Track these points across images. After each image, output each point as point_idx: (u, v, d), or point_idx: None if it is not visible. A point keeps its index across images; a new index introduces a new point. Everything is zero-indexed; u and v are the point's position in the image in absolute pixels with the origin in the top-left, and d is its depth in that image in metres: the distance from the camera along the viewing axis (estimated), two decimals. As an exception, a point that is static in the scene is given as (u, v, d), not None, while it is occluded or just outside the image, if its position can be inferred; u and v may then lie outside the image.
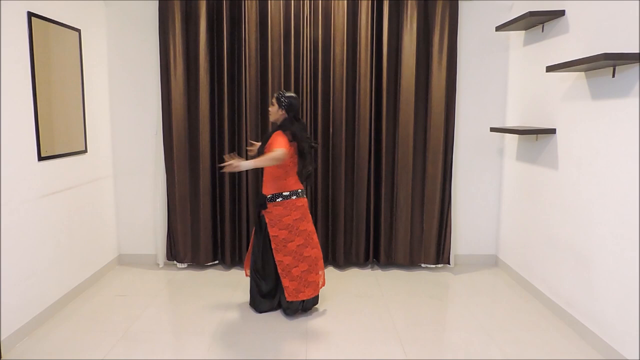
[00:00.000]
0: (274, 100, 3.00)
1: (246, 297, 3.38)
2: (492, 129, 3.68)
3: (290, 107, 2.97)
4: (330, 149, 3.91)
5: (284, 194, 2.99)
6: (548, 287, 3.27)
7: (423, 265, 4.06)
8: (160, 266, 4.06)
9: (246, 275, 3.24)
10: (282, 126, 2.98)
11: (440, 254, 3.99)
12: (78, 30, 3.45)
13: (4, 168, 2.65)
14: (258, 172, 3.90)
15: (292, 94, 3.01)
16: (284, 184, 2.99)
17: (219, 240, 4.02)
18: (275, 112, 3.00)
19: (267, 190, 3.03)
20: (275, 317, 3.11)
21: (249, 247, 3.20)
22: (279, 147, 2.83)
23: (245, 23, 3.75)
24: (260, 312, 3.16)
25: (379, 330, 2.96)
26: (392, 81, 3.85)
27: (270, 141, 2.95)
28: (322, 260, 3.16)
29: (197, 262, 4.00)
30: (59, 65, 3.21)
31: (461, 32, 3.87)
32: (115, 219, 4.07)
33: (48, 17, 3.08)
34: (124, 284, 3.71)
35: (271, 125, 3.16)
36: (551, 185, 3.21)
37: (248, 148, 3.31)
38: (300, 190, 3.04)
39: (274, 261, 3.06)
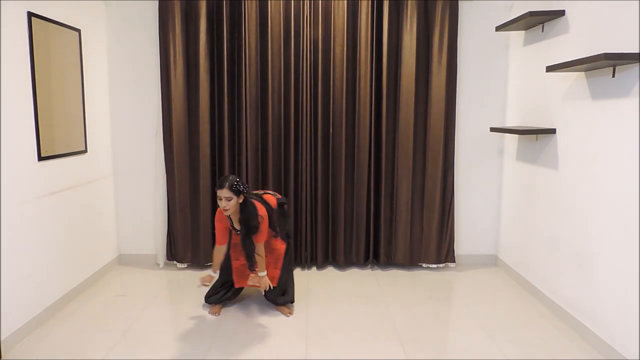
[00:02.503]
0: (229, 192, 2.73)
1: (245, 297, 3.39)
2: (492, 129, 3.68)
3: (246, 188, 2.84)
4: (330, 149, 3.91)
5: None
6: (548, 287, 3.27)
7: (424, 265, 4.06)
8: (160, 266, 4.06)
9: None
10: (251, 214, 2.85)
11: (441, 254, 3.99)
12: (78, 30, 3.45)
13: (4, 168, 2.65)
14: (258, 171, 3.92)
15: (231, 176, 2.84)
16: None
17: (219, 240, 4.01)
18: (235, 203, 2.78)
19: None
20: (275, 317, 3.11)
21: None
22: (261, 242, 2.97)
23: (245, 23, 3.75)
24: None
25: (379, 330, 2.96)
26: (392, 81, 3.85)
27: (262, 229, 2.92)
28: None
29: (197, 262, 3.99)
30: (59, 65, 3.21)
31: (461, 32, 3.87)
32: (115, 219, 4.07)
33: (48, 17, 3.08)
34: (124, 284, 3.72)
35: (234, 217, 2.92)
36: (551, 185, 3.21)
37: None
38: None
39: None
